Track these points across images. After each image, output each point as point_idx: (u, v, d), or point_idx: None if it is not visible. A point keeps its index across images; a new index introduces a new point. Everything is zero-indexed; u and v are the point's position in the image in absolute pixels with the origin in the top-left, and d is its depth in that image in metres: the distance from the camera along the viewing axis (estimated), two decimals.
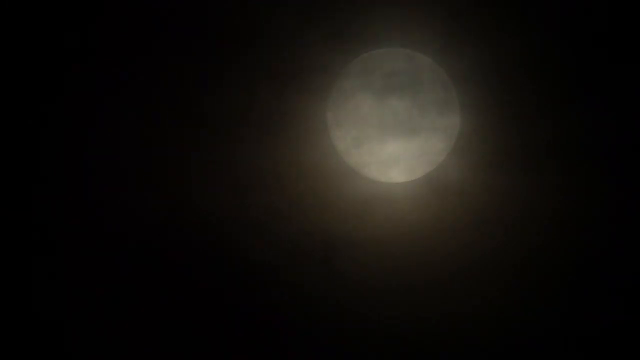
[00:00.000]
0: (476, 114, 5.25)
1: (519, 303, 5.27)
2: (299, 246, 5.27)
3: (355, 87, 5.26)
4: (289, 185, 5.29)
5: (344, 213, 5.29)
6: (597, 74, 5.19)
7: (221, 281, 5.30)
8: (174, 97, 5.29)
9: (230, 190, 5.29)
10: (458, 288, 5.28)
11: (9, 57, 5.23)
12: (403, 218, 5.29)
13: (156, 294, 5.27)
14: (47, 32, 5.22)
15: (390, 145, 5.27)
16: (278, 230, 5.27)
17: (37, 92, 5.24)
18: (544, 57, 5.20)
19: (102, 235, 5.25)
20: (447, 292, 5.29)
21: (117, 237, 5.25)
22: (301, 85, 5.25)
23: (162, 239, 5.26)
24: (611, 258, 5.21)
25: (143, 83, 5.26)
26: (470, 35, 5.17)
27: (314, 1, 5.18)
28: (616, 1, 5.13)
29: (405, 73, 5.24)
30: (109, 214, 5.25)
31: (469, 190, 5.26)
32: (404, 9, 5.18)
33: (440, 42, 5.19)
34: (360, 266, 5.31)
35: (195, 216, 5.28)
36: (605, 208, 5.21)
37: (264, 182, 5.30)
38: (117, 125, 5.26)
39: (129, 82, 5.25)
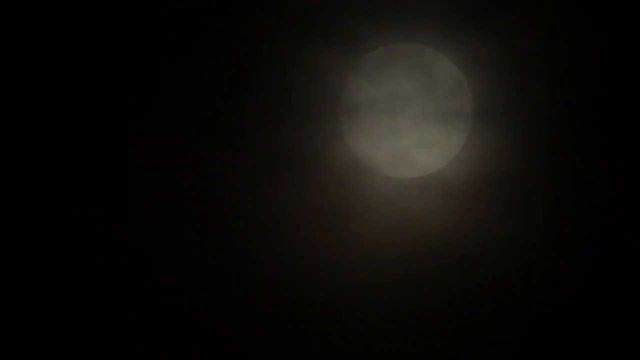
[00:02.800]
0: (489, 110, 5.28)
1: (525, 300, 5.28)
2: (308, 243, 5.29)
3: (367, 82, 5.29)
4: (295, 183, 5.30)
5: (353, 209, 5.31)
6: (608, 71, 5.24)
7: (227, 284, 5.31)
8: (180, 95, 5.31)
9: (236, 187, 5.30)
10: (466, 287, 5.29)
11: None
12: (414, 215, 5.30)
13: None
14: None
15: (401, 141, 5.30)
16: (285, 227, 5.28)
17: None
18: (556, 50, 5.22)
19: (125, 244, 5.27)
20: (455, 290, 5.30)
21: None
22: (310, 83, 5.28)
23: (172, 238, 5.28)
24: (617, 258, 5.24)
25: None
26: (480, 30, 5.20)
27: None
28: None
29: (417, 68, 5.27)
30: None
31: (479, 186, 5.28)
32: (415, 4, 5.21)
33: (453, 37, 5.21)
34: (369, 265, 5.32)
35: (207, 213, 5.28)
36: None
37: (270, 179, 5.31)
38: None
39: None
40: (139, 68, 5.24)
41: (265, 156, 5.28)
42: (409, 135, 5.30)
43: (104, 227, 5.24)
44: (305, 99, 5.28)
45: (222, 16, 5.26)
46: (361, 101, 5.30)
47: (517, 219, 5.26)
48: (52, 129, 5.26)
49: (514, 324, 5.26)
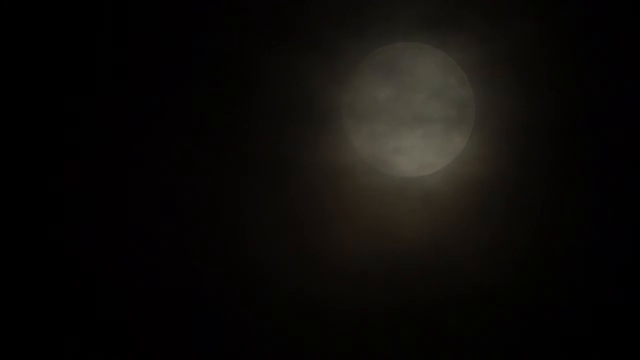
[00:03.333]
0: (492, 108, 5.27)
1: (527, 297, 5.29)
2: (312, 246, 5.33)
3: (371, 81, 5.28)
4: (301, 180, 5.32)
5: (356, 208, 5.32)
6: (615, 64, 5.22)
7: (231, 285, 5.36)
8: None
9: (241, 184, 5.34)
10: (471, 285, 5.31)
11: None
12: (418, 213, 5.31)
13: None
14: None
15: (405, 139, 5.30)
16: (290, 226, 5.32)
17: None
18: (560, 48, 5.21)
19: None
20: (459, 288, 5.32)
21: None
22: (315, 80, 5.28)
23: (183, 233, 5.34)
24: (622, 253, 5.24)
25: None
26: (484, 28, 5.18)
27: None
28: None
29: (420, 67, 5.26)
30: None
31: (484, 184, 5.28)
32: (418, 2, 5.20)
33: (454, 35, 5.20)
34: (373, 263, 5.35)
35: (212, 218, 5.32)
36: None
37: (274, 176, 5.34)
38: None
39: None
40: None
41: (261, 161, 5.32)
42: (402, 138, 5.31)
43: (104, 228, 5.29)
44: (303, 103, 5.30)
45: (218, 29, 5.28)
46: (365, 98, 5.31)
47: (521, 218, 5.28)
48: (52, 131, 5.29)
49: (500, 329, 5.29)
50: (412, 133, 5.29)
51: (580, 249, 5.24)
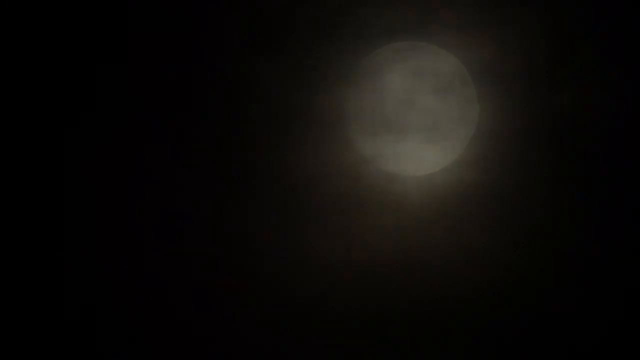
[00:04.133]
0: (495, 108, 5.26)
1: (526, 298, 5.29)
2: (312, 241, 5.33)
3: (373, 80, 5.28)
4: (302, 178, 5.33)
5: (357, 205, 5.33)
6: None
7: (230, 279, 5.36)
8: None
9: (243, 182, 5.34)
10: (468, 285, 5.31)
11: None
12: (417, 212, 5.31)
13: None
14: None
15: (407, 138, 5.29)
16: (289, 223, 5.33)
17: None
18: (566, 51, 5.19)
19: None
20: (455, 288, 5.31)
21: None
22: (317, 78, 5.28)
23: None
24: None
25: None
26: (490, 28, 5.17)
27: None
28: None
29: (424, 66, 5.26)
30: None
31: (484, 185, 5.27)
32: (417, 3, 5.19)
33: (459, 35, 5.19)
34: (373, 260, 5.35)
35: (212, 219, 5.34)
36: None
37: (277, 174, 5.34)
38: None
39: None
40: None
41: (260, 163, 5.33)
42: (414, 132, 5.30)
43: (104, 228, 5.31)
44: (303, 106, 5.31)
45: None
46: (367, 97, 5.31)
47: (508, 223, 5.27)
48: (53, 131, 5.30)
49: (499, 329, 5.29)
50: (413, 134, 5.29)
51: (579, 250, 5.24)
